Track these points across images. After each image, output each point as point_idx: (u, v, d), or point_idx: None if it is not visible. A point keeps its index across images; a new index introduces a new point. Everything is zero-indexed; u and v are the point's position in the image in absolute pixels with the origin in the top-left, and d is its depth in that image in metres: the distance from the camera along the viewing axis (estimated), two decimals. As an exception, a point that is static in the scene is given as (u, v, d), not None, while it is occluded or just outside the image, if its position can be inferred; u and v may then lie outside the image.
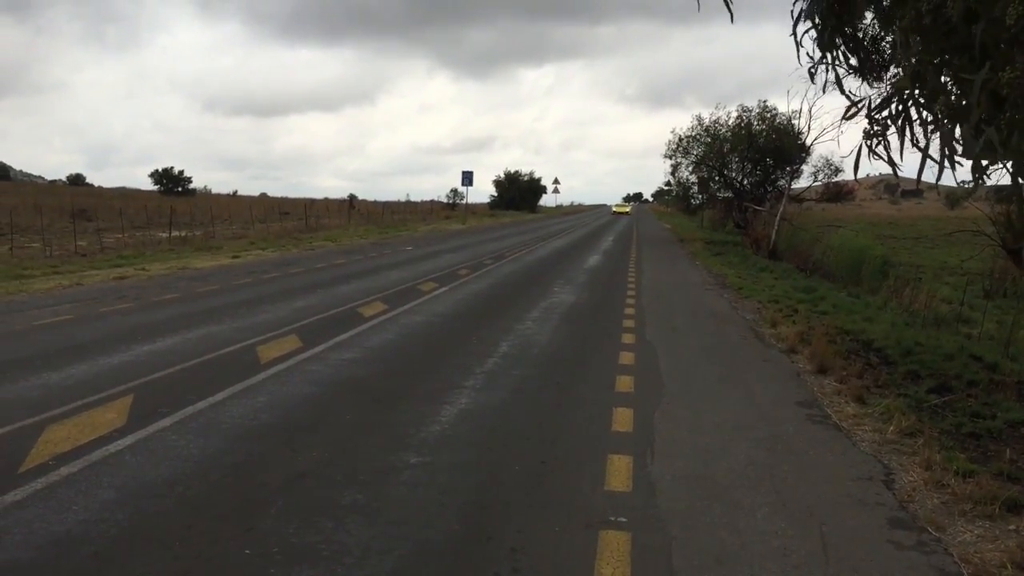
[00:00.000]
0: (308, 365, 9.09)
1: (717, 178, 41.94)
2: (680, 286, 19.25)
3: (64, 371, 8.50)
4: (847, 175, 38.05)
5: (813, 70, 6.02)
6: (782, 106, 61.71)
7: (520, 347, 10.53)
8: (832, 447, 6.67)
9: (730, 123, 38.62)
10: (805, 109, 54.81)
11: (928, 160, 4.85)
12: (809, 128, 48.94)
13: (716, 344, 11.39)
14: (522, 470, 5.86)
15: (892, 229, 48.91)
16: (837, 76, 5.81)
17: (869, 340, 11.43)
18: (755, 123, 37.58)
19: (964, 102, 4.73)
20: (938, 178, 5.02)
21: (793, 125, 34.76)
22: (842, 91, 6.07)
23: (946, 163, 4.90)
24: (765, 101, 38.16)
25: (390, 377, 8.70)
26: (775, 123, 36.88)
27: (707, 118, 39.82)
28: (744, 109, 38.26)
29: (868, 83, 6.79)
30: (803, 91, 55.59)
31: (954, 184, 5.39)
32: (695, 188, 47.09)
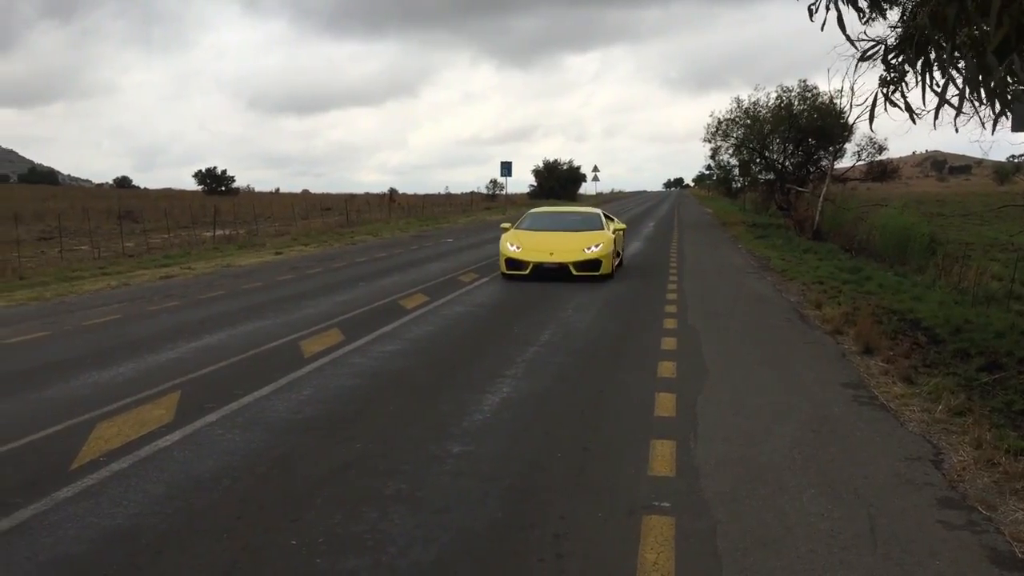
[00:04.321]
0: (351, 358, 9.16)
1: (758, 160, 41.45)
2: (722, 270, 19.08)
3: (113, 369, 8.65)
4: (891, 153, 37.44)
5: (813, 8, 5.80)
6: (824, 85, 60.64)
7: (561, 335, 10.51)
8: (879, 428, 6.58)
9: (770, 104, 38.15)
10: (847, 87, 53.90)
11: (950, 107, 4.67)
12: (851, 106, 48.13)
13: (760, 327, 11.28)
14: (564, 457, 5.86)
15: (939, 206, 47.96)
16: (839, 15, 5.58)
17: (917, 319, 11.25)
18: (796, 103, 37.10)
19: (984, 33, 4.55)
20: (957, 114, 4.82)
21: (835, 104, 34.25)
22: (843, 30, 5.83)
23: (966, 106, 4.73)
24: (805, 80, 37.52)
25: (432, 368, 8.74)
26: (816, 103, 36.37)
27: (746, 100, 39.33)
28: (784, 89, 37.78)
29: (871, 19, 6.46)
30: (844, 69, 54.62)
31: (1003, 159, 5.20)
32: (736, 171, 46.59)
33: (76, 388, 7.90)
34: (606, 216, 18.85)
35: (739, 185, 54.37)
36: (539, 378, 8.19)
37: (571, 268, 15.91)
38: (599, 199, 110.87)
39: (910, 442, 6.21)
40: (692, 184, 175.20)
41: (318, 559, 4.25)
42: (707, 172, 65.94)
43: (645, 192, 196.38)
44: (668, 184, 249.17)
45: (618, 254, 18.18)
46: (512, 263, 16.44)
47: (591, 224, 17.81)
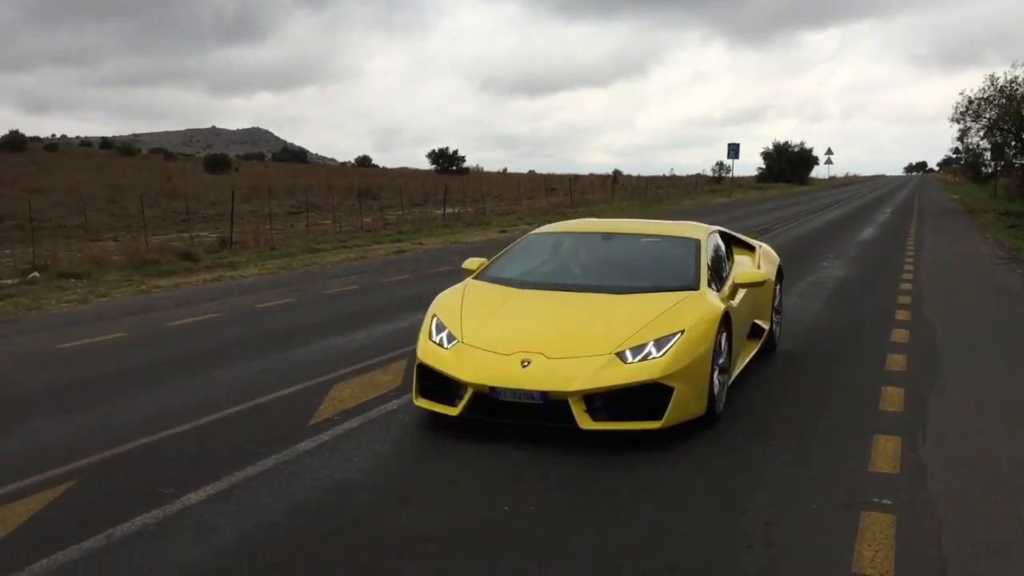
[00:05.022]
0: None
1: (1013, 143, 38.18)
2: (965, 260, 17.78)
3: (349, 336, 9.28)
4: None
5: None
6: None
7: (784, 322, 10.18)
8: None
9: (1030, 82, 35.00)
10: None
11: None
12: None
13: (1004, 322, 10.46)
14: (781, 446, 5.72)
15: None
16: None
17: None
18: (1061, 80, 33.85)
19: None
20: None
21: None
22: None
23: None
24: (1074, 55, 34.26)
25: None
26: (1086, 79, 33.02)
27: (1002, 77, 36.27)
28: (1049, 66, 34.52)
29: None
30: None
31: None
32: (987, 155, 43.13)
33: (316, 351, 8.54)
34: (727, 238, 8.27)
35: (990, 170, 50.24)
36: (758, 365, 8.02)
37: (572, 407, 5.46)
38: (831, 183, 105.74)
39: None
40: (937, 168, 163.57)
41: (530, 526, 4.40)
42: (953, 156, 61.27)
43: (883, 176, 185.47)
44: (909, 168, 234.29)
45: (761, 332, 7.97)
46: (430, 380, 5.99)
47: (669, 271, 6.86)
